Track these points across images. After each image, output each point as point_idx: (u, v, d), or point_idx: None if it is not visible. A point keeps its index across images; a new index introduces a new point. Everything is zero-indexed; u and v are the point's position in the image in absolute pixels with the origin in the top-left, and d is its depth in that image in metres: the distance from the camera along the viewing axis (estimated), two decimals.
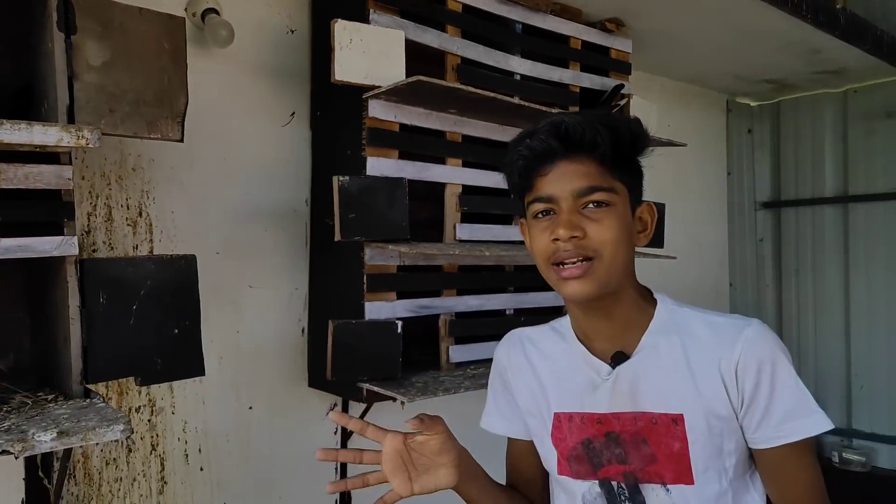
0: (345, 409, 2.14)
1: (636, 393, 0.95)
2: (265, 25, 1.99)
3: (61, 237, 1.22)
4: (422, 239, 1.98)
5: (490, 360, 2.12)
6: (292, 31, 2.05)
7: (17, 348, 1.51)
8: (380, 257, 1.87)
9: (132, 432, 1.09)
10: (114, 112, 1.29)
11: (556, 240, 0.91)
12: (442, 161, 2.04)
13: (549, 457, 1.04)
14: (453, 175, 2.05)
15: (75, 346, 1.25)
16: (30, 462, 1.57)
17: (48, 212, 1.23)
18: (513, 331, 1.13)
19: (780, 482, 0.93)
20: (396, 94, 1.83)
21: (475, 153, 2.12)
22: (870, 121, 3.50)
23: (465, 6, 2.09)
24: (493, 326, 2.19)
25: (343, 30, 1.75)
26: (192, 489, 1.85)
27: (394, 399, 1.82)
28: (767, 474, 0.94)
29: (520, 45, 2.26)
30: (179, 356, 1.41)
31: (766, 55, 2.99)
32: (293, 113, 2.05)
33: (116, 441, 1.71)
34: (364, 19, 1.84)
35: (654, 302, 1.00)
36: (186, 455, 1.84)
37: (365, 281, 1.85)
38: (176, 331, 1.41)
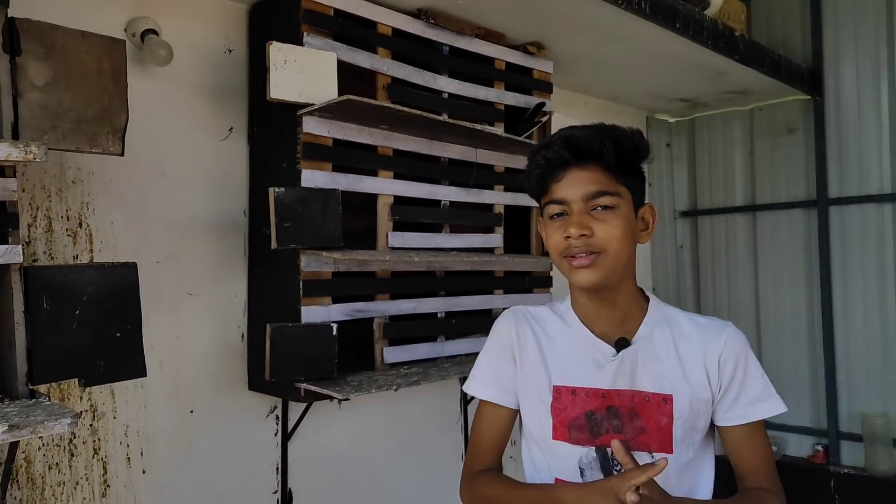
0: (285, 410, 2.24)
1: (635, 374, 1.10)
2: (204, 45, 2.09)
3: (6, 246, 1.30)
4: (357, 247, 2.10)
5: (423, 361, 2.27)
6: (230, 51, 2.15)
7: None
8: (315, 264, 1.99)
9: (78, 426, 1.17)
10: (56, 128, 1.38)
11: (569, 237, 1.05)
12: (374, 174, 2.17)
13: (544, 424, 1.13)
14: (385, 186, 2.19)
15: (20, 350, 1.32)
16: None
17: None
18: (516, 307, 1.22)
19: (741, 453, 1.11)
20: (329, 112, 1.96)
21: (406, 166, 2.26)
22: (773, 136, 3.82)
23: (395, 30, 2.24)
24: (425, 329, 2.33)
25: (278, 51, 1.88)
26: (134, 492, 1.91)
27: (330, 398, 1.93)
28: (732, 447, 1.12)
29: (447, 65, 2.42)
30: (121, 358, 1.50)
31: (677, 76, 3.25)
32: (231, 128, 2.15)
33: (59, 446, 1.77)
34: (298, 41, 1.97)
35: (647, 298, 1.17)
36: (129, 459, 1.90)
37: (301, 286, 1.96)
38: (118, 334, 1.49)
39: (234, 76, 2.16)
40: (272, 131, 2.08)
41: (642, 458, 1.09)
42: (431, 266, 2.34)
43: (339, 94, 1.91)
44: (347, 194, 2.07)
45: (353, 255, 1.95)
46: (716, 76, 3.23)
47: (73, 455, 1.80)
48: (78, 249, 1.82)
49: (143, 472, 1.92)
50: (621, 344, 1.12)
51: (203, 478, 2.04)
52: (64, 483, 1.78)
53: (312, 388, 1.89)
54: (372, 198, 2.19)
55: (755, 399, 1.11)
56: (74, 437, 1.80)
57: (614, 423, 1.10)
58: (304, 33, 1.98)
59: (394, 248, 2.20)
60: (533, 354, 1.17)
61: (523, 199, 2.65)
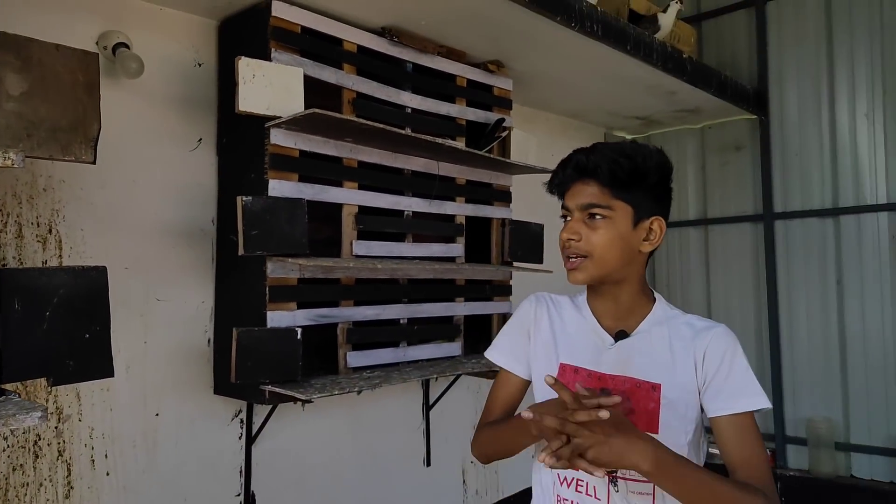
0: (249, 413, 2.29)
1: (629, 363, 1.22)
2: (174, 59, 2.16)
3: None
4: (323, 256, 2.18)
5: (386, 365, 2.35)
6: (200, 65, 2.22)
7: None
8: (281, 270, 2.06)
9: (48, 419, 1.22)
10: (31, 137, 1.44)
11: (565, 238, 1.22)
12: (339, 184, 2.26)
13: (550, 395, 1.22)
14: (349, 197, 2.27)
15: None
16: None
17: None
18: (540, 293, 1.38)
19: (729, 446, 1.16)
20: (296, 124, 2.04)
21: (370, 177, 2.35)
22: (723, 153, 4.02)
23: (360, 47, 2.34)
24: (388, 334, 2.41)
25: (246, 66, 1.96)
26: (98, 494, 1.95)
27: (294, 399, 2.00)
28: (721, 440, 1.17)
29: (411, 82, 2.53)
30: (90, 359, 1.55)
31: (631, 95, 3.41)
32: (200, 139, 2.22)
33: (24, 447, 1.80)
34: (266, 57, 2.06)
35: (653, 299, 1.29)
36: (93, 461, 1.94)
37: (267, 292, 2.03)
38: (87, 335, 1.54)
39: (203, 89, 2.23)
40: (241, 142, 2.16)
41: None
42: (395, 274, 2.43)
43: (306, 107, 2.00)
44: (314, 204, 2.15)
45: (317, 262, 2.03)
46: (667, 95, 3.40)
47: (37, 457, 1.83)
48: (47, 255, 1.86)
49: (108, 473, 1.96)
50: (620, 335, 1.25)
51: (167, 480, 2.08)
52: (28, 484, 1.81)
53: (277, 389, 1.96)
54: (337, 207, 2.27)
55: (738, 392, 1.16)
56: (39, 439, 1.83)
57: None
58: (273, 49, 2.07)
59: (358, 256, 2.28)
60: (546, 334, 1.32)
61: (484, 211, 2.77)
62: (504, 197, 2.87)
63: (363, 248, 2.30)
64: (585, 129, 4.01)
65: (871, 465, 3.46)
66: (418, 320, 2.51)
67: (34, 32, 1.55)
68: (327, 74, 2.23)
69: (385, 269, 2.29)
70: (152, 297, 2.08)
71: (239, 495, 2.26)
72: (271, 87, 2.00)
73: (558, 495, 1.26)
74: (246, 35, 2.16)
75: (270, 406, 2.24)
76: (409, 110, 2.51)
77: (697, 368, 1.19)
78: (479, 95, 2.80)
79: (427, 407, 2.91)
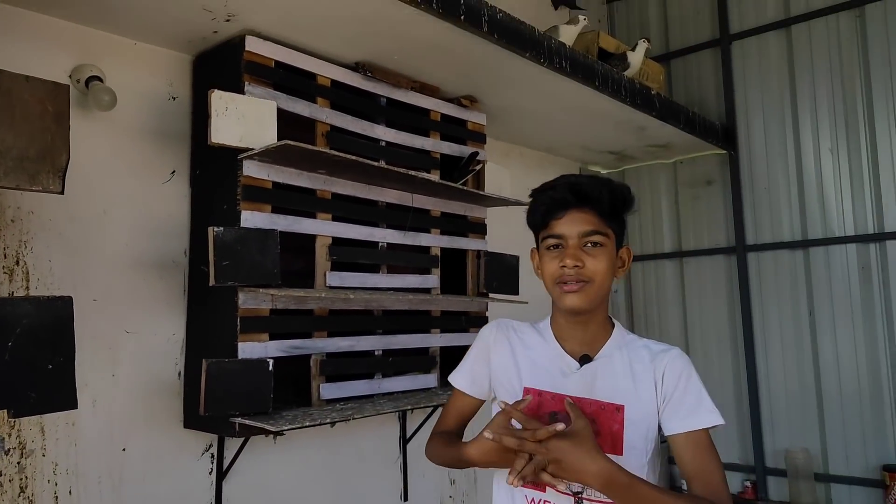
0: (220, 448, 2.25)
1: (594, 386, 1.27)
2: (149, 92, 2.18)
3: None
4: (297, 287, 2.18)
5: (360, 398, 2.34)
6: (174, 98, 2.25)
7: None
8: (252, 301, 2.05)
9: (6, 452, 1.20)
10: None
11: (563, 267, 1.23)
12: (313, 216, 2.27)
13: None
14: (323, 228, 2.28)
15: None
16: None
17: None
18: (501, 319, 1.44)
19: (684, 460, 1.22)
20: (268, 156, 2.06)
21: (344, 209, 2.37)
22: (694, 187, 4.11)
23: (334, 81, 2.38)
24: (362, 366, 2.40)
25: (219, 99, 1.98)
26: None
27: (265, 432, 1.97)
28: (677, 454, 1.24)
29: (385, 115, 2.57)
30: (53, 390, 1.52)
31: (603, 130, 3.49)
32: (173, 171, 2.23)
33: None
34: (240, 90, 2.09)
35: (612, 325, 1.35)
36: (56, 497, 1.88)
37: (238, 323, 2.02)
38: (50, 366, 1.52)
39: (177, 122, 2.25)
40: (214, 175, 2.17)
41: None
42: (369, 305, 2.43)
43: (279, 139, 2.03)
44: (287, 236, 2.16)
45: (288, 292, 2.03)
46: (637, 130, 3.48)
47: None
48: (14, 286, 1.84)
49: None
50: (584, 360, 1.30)
51: None
52: None
53: (247, 422, 1.93)
54: (311, 239, 2.28)
55: (694, 411, 1.23)
56: (0, 475, 1.78)
57: None
58: (246, 83, 2.10)
59: (332, 287, 2.28)
60: (506, 359, 1.37)
61: (459, 242, 2.79)
62: (479, 229, 2.90)
63: (337, 279, 2.30)
64: (560, 163, 4.08)
65: (850, 495, 3.46)
66: (393, 352, 2.50)
67: (8, 66, 1.57)
68: (301, 108, 2.26)
69: (358, 299, 2.29)
70: (121, 330, 2.06)
71: None
72: (244, 119, 2.02)
73: None
74: (220, 69, 2.19)
75: (242, 440, 2.21)
76: (384, 143, 2.55)
77: (657, 389, 1.25)
78: (453, 129, 2.85)
79: (404, 440, 2.88)
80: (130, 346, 2.07)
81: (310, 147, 1.99)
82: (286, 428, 1.89)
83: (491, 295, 2.84)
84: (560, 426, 1.10)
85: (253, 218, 2.07)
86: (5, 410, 1.46)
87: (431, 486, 3.01)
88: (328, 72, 2.35)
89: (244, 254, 1.96)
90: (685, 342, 4.08)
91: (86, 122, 2.02)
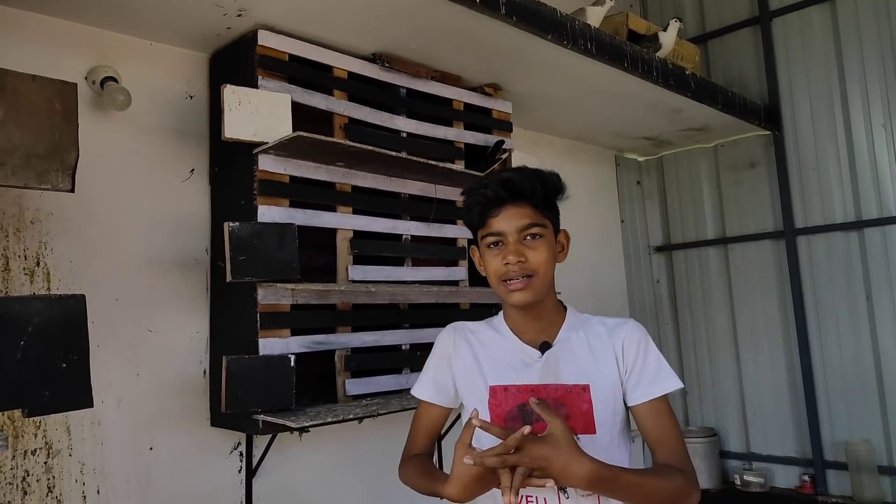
0: (249, 446, 2.23)
1: (558, 370, 1.28)
2: (165, 92, 2.19)
3: None
4: (320, 283, 2.14)
5: (388, 393, 2.29)
6: (191, 97, 2.25)
7: None
8: (272, 296, 2.03)
9: (7, 448, 1.19)
10: (5, 165, 1.44)
11: (507, 263, 1.24)
12: (333, 209, 2.23)
13: (485, 419, 1.27)
14: (343, 221, 2.24)
15: None
16: None
17: None
18: (456, 322, 1.43)
19: (649, 428, 1.26)
20: (283, 149, 2.03)
21: (365, 202, 2.33)
22: (737, 171, 3.92)
23: (351, 73, 2.34)
24: (388, 360, 2.35)
25: (232, 93, 1.96)
26: None
27: (288, 429, 1.94)
28: (641, 423, 1.28)
29: (405, 106, 2.52)
30: (67, 389, 1.51)
31: (636, 114, 3.36)
32: (193, 170, 2.22)
33: (11, 484, 1.77)
34: (254, 85, 2.06)
35: (564, 308, 1.37)
36: (84, 497, 1.89)
37: (258, 319, 1.99)
38: (64, 365, 1.51)
39: (195, 121, 2.25)
40: (232, 171, 2.16)
41: None
42: (394, 298, 2.38)
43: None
44: (309, 232, 2.13)
45: (307, 286, 1.99)
46: (672, 113, 3.34)
47: (25, 493, 1.79)
48: (35, 287, 1.86)
49: None
50: (544, 347, 1.31)
51: None
52: None
53: (269, 419, 1.90)
54: (332, 233, 2.24)
55: (655, 378, 1.27)
56: (28, 475, 1.79)
57: None
58: (259, 77, 2.08)
59: (354, 282, 2.24)
60: (468, 361, 1.36)
61: None
62: None
63: (359, 272, 2.26)
64: (593, 151, 3.96)
65: None
66: (421, 346, 2.44)
67: (23, 69, 1.57)
68: (317, 100, 2.23)
69: (382, 293, 2.24)
70: (144, 329, 2.06)
71: None
72: (258, 113, 2.00)
73: None
74: (235, 65, 2.18)
75: (269, 437, 2.18)
76: (405, 134, 2.50)
77: (619, 363, 1.28)
78: (478, 119, 2.78)
79: (438, 437, 2.81)
80: (154, 345, 2.07)
81: (322, 137, 1.95)
82: (307, 424, 1.85)
83: None
84: (527, 429, 1.09)
85: (270, 212, 2.04)
86: (18, 409, 1.45)
87: None
88: (344, 63, 2.31)
89: (261, 248, 1.93)
90: (733, 332, 3.90)
91: (103, 123, 2.03)
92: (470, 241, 2.55)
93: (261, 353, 1.97)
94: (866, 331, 3.43)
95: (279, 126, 2.02)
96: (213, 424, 2.15)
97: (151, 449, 2.03)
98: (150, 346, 2.07)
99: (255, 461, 2.22)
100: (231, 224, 1.89)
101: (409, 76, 2.50)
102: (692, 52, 3.44)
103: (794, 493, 3.60)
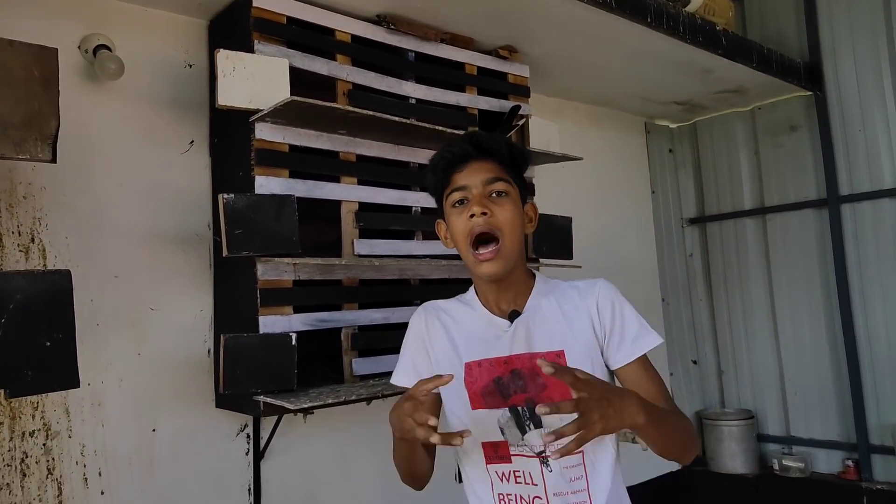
0: (256, 427, 2.17)
1: (530, 338, 1.24)
2: (163, 60, 2.10)
3: None
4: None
5: None
6: (190, 66, 2.16)
7: None
8: (272, 272, 1.94)
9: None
10: None
11: (472, 216, 1.19)
12: (336, 180, 2.13)
13: (462, 398, 1.26)
14: (348, 193, 2.14)
15: None
16: None
17: None
18: (427, 302, 1.39)
19: (638, 387, 1.21)
20: (281, 117, 1.93)
21: (371, 172, 2.22)
22: (776, 135, 3.69)
23: (354, 37, 2.22)
24: (398, 339, 2.23)
25: (226, 58, 1.87)
26: None
27: (290, 411, 1.86)
28: (630, 384, 1.23)
29: (413, 71, 2.39)
30: (52, 368, 1.45)
31: (663, 76, 3.16)
32: (192, 141, 2.14)
33: (10, 465, 1.73)
34: (250, 50, 1.96)
35: (533, 276, 1.32)
36: (86, 479, 1.85)
37: (258, 295, 1.91)
38: (48, 343, 1.45)
39: (194, 90, 2.16)
40: (231, 141, 2.07)
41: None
42: (403, 273, 2.28)
43: None
44: (314, 206, 2.04)
45: (308, 261, 1.90)
46: (703, 74, 3.13)
47: (24, 475, 1.75)
48: (31, 264, 1.81)
49: (102, 493, 1.86)
50: (513, 316, 1.27)
51: (167, 499, 1.97)
52: None
53: (268, 399, 1.82)
54: (337, 206, 2.14)
55: (636, 336, 1.23)
56: (26, 457, 1.76)
57: (519, 383, 1.24)
58: (255, 41, 1.97)
59: (360, 256, 2.14)
60: (443, 341, 1.31)
61: None
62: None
63: (366, 246, 2.15)
64: (620, 118, 3.77)
65: None
66: None
67: (14, 37, 1.49)
68: (319, 66, 2.12)
69: (389, 267, 2.14)
70: (145, 307, 2.00)
71: None
72: (253, 79, 1.90)
73: (500, 494, 1.26)
74: (232, 30, 2.08)
75: (276, 419, 2.12)
76: (413, 101, 2.37)
77: (595, 326, 1.24)
78: (492, 84, 2.63)
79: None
80: (156, 324, 2.01)
81: (318, 102, 1.84)
82: (307, 406, 1.77)
83: (542, 260, 2.62)
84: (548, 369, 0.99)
85: (268, 183, 1.95)
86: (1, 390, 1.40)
87: None
88: (347, 26, 2.19)
89: (258, 221, 1.84)
90: (771, 308, 3.70)
91: (98, 94, 1.96)
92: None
93: (261, 332, 1.89)
94: None
95: (276, 93, 1.92)
96: (218, 405, 2.09)
97: (154, 430, 1.98)
98: (151, 325, 2.01)
99: (262, 443, 2.16)
100: (226, 196, 1.80)
101: (418, 39, 2.37)
102: (725, 8, 3.21)
103: (837, 478, 3.41)
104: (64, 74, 1.87)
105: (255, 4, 1.98)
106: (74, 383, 1.49)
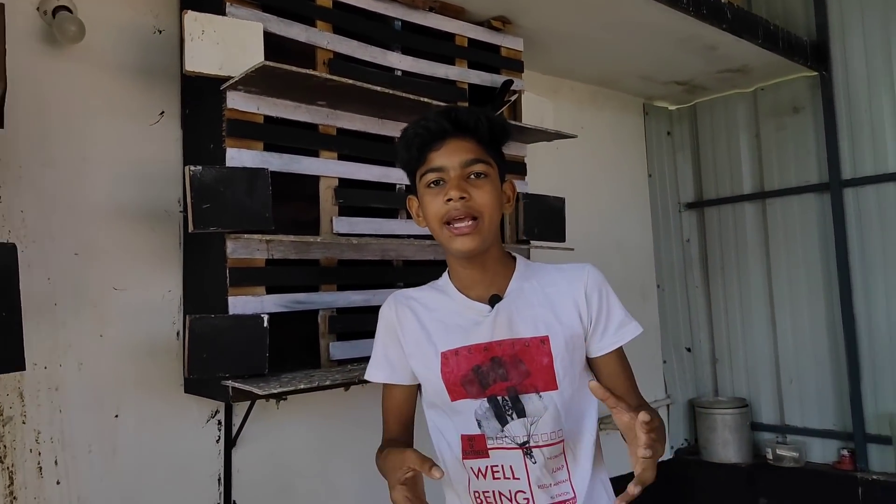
0: (228, 414, 2.06)
1: (512, 324, 1.18)
2: (130, 25, 1.97)
3: None
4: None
5: None
6: (160, 32, 2.02)
7: None
8: (243, 250, 1.82)
9: None
10: None
11: (449, 200, 1.12)
12: (315, 154, 2.01)
13: (439, 390, 1.21)
14: (327, 168, 2.02)
15: None
16: None
17: None
18: (396, 292, 1.31)
19: (616, 378, 1.21)
20: (254, 85, 1.80)
21: (352, 146, 2.10)
22: (779, 117, 3.57)
23: (336, 2, 2.09)
24: None
25: (194, 21, 1.74)
26: None
27: (260, 397, 1.75)
28: (607, 373, 1.22)
29: (399, 41, 2.26)
30: None
31: (665, 53, 3.03)
32: (162, 112, 2.01)
33: None
34: (222, 12, 1.83)
35: (513, 259, 1.26)
36: (40, 468, 1.74)
37: (228, 275, 1.79)
38: None
39: (165, 58, 2.03)
40: (202, 112, 1.94)
41: (531, 399, 1.18)
42: (386, 254, 2.16)
43: None
44: (294, 183, 1.92)
45: (283, 238, 1.78)
46: (707, 51, 3.00)
47: None
48: None
49: (58, 482, 1.76)
50: (494, 300, 1.20)
51: (130, 489, 1.87)
52: None
53: (237, 385, 1.72)
54: (316, 182, 2.02)
55: (621, 324, 1.21)
56: None
57: (500, 371, 1.18)
58: (227, 3, 1.84)
59: (339, 234, 2.02)
60: (416, 331, 1.24)
61: None
62: (517, 168, 2.56)
63: (345, 225, 2.04)
64: (618, 98, 3.64)
65: None
66: None
67: None
68: (296, 32, 1.98)
69: (370, 247, 2.03)
70: (109, 286, 1.88)
71: None
72: (224, 44, 1.77)
73: (475, 492, 1.21)
74: None
75: (248, 405, 2.01)
76: (399, 73, 2.24)
77: (581, 312, 1.19)
78: (484, 56, 2.50)
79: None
80: (120, 304, 1.89)
81: (294, 68, 1.71)
82: (278, 391, 1.66)
83: (533, 242, 2.51)
84: (644, 416, 0.94)
85: (241, 156, 1.83)
86: None
87: None
88: None
89: (228, 196, 1.72)
90: (769, 295, 3.60)
91: (59, 60, 1.82)
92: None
93: (231, 313, 1.78)
94: None
95: (249, 59, 1.78)
96: (186, 391, 1.98)
97: (117, 416, 1.87)
98: (115, 305, 1.89)
99: (235, 431, 2.05)
100: (193, 168, 1.68)
101: (404, 6, 2.24)
102: None
103: (832, 468, 3.33)
104: (21, 38, 1.76)
105: None
106: (20, 365, 1.38)
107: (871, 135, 3.23)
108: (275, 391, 1.65)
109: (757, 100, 3.64)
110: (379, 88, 1.90)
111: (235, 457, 2.07)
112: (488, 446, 1.19)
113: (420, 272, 2.24)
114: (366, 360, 2.02)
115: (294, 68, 1.71)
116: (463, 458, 1.21)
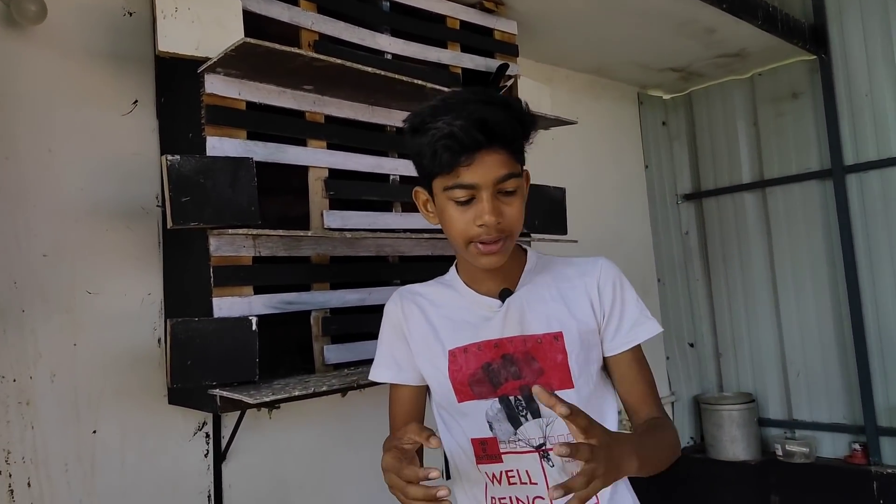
0: (216, 426, 1.92)
1: (523, 320, 1.12)
2: (97, 6, 1.82)
3: None
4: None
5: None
6: (130, 14, 1.88)
7: None
8: (228, 247, 1.68)
9: None
10: None
11: (482, 225, 1.02)
12: (303, 143, 1.87)
13: (447, 390, 1.15)
14: (316, 158, 1.88)
15: None
16: None
17: None
18: (401, 287, 1.25)
19: (631, 380, 1.14)
20: (234, 67, 1.67)
21: (342, 135, 1.96)
22: (778, 103, 3.48)
23: None
24: (376, 323, 1.99)
25: None
26: None
27: (245, 404, 1.61)
28: (621, 374, 1.15)
29: (389, 23, 2.13)
30: None
31: (662, 38, 2.93)
32: (136, 101, 1.86)
33: None
34: None
35: (524, 252, 1.20)
36: (11, 491, 1.58)
37: (212, 274, 1.65)
38: None
39: (137, 43, 1.88)
40: (178, 99, 1.80)
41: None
42: (381, 250, 2.03)
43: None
44: (278, 173, 1.78)
45: (270, 233, 1.64)
46: (705, 34, 2.91)
47: None
48: None
49: None
50: (504, 294, 1.14)
51: None
52: None
53: (225, 394, 1.57)
54: (305, 175, 1.89)
55: (636, 322, 1.14)
56: None
57: (511, 370, 1.12)
58: None
59: (330, 229, 1.88)
60: (422, 328, 1.18)
61: None
62: None
63: (336, 219, 1.90)
64: (614, 88, 3.54)
65: None
66: None
67: None
68: (278, 11, 1.85)
69: (364, 242, 1.89)
70: (82, 290, 1.73)
71: None
72: (199, 22, 1.63)
73: (492, 498, 1.14)
74: None
75: (238, 416, 1.87)
76: (389, 56, 2.12)
77: (594, 306, 1.14)
78: (477, 40, 2.39)
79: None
80: (95, 309, 1.74)
81: (277, 47, 1.57)
82: (270, 399, 1.52)
83: (533, 235, 2.38)
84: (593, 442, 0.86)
85: (222, 145, 1.69)
86: None
87: None
88: None
89: (209, 188, 1.58)
90: (772, 286, 3.51)
91: (20, 44, 1.67)
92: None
93: (216, 316, 1.64)
94: None
95: (228, 38, 1.64)
96: (171, 402, 1.83)
97: (95, 432, 1.71)
98: (89, 311, 1.73)
99: (224, 443, 1.90)
100: (170, 157, 1.54)
101: None
102: None
103: (843, 463, 3.24)
104: None
105: None
106: None
107: (873, 118, 3.15)
108: (266, 399, 1.50)
109: (754, 86, 3.56)
110: (370, 69, 1.77)
111: (226, 471, 1.92)
112: (501, 451, 1.13)
113: (417, 268, 2.10)
114: (363, 363, 1.91)
115: (278, 46, 1.58)
116: (478, 463, 1.15)
